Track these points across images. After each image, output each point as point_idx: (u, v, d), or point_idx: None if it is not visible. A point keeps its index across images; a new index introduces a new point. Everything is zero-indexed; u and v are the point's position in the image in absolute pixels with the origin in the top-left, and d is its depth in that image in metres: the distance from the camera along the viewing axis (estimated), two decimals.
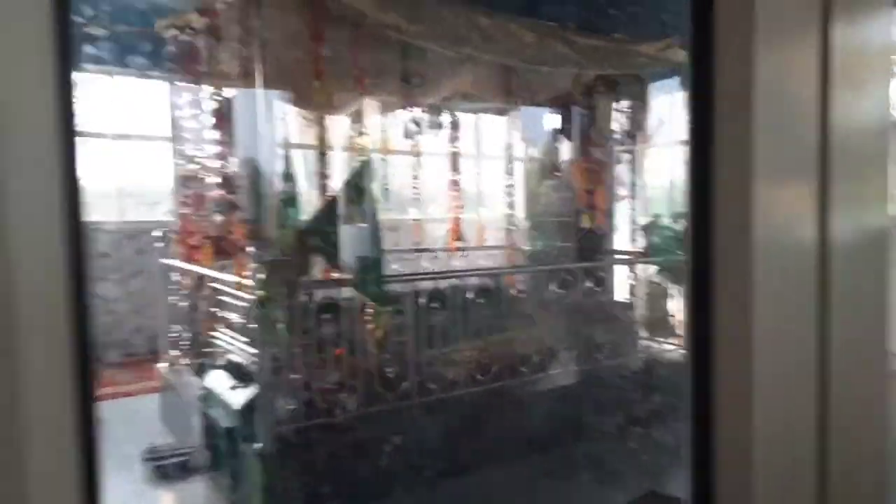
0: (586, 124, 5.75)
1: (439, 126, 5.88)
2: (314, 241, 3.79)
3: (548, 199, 6.28)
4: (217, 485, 3.89)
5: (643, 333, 5.31)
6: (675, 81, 5.39)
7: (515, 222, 6.65)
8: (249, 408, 3.55)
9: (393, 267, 5.85)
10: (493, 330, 4.33)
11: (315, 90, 3.91)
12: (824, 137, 0.81)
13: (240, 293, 3.98)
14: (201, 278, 4.55)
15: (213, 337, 4.40)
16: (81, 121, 0.63)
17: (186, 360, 4.68)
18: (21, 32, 0.58)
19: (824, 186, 0.82)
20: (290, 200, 3.59)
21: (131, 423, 4.68)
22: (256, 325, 3.53)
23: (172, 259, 4.92)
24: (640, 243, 5.58)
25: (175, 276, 4.84)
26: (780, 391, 0.82)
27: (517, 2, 4.63)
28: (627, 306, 5.23)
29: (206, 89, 4.45)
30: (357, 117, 5.49)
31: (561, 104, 5.95)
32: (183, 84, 4.75)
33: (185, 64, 4.65)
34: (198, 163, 4.65)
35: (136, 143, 7.22)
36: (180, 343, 4.79)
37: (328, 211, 3.96)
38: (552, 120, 6.14)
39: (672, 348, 5.31)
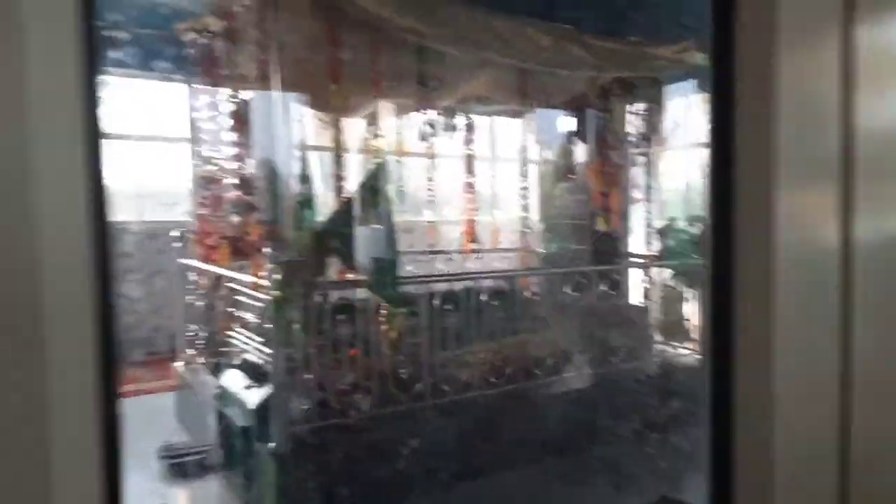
0: (601, 127, 5.73)
1: (454, 128, 5.88)
2: (330, 242, 3.81)
3: (562, 201, 6.26)
4: (231, 483, 3.92)
5: (658, 337, 5.26)
6: (690, 84, 5.35)
7: (530, 225, 6.63)
8: (264, 407, 3.57)
9: (407, 268, 5.86)
10: (506, 332, 4.32)
11: (332, 93, 3.93)
12: (847, 140, 0.80)
13: (256, 293, 4.01)
14: (218, 278, 4.58)
15: (230, 336, 4.43)
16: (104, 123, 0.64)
17: (203, 359, 4.71)
18: (48, 38, 0.59)
19: (847, 190, 0.81)
20: (307, 202, 3.62)
21: (147, 420, 4.72)
22: (272, 326, 3.55)
23: (190, 259, 4.97)
24: (655, 246, 5.54)
25: (192, 276, 4.88)
26: (802, 398, 0.80)
27: (534, 5, 4.62)
28: (642, 310, 5.19)
29: (224, 92, 4.49)
30: (373, 119, 5.52)
31: (576, 107, 5.92)
32: (201, 86, 4.79)
33: (204, 67, 4.69)
34: (216, 164, 4.69)
35: (155, 144, 7.30)
36: (197, 342, 4.83)
37: (344, 213, 3.99)
38: (567, 122, 6.12)
39: (687, 352, 5.27)
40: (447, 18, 4.14)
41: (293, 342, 3.54)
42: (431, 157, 5.23)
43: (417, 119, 4.89)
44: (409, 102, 4.84)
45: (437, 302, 4.02)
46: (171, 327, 5.56)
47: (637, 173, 5.91)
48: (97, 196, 0.62)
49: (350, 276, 4.37)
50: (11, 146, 0.57)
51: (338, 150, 4.24)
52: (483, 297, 4.22)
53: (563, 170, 6.13)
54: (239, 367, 4.13)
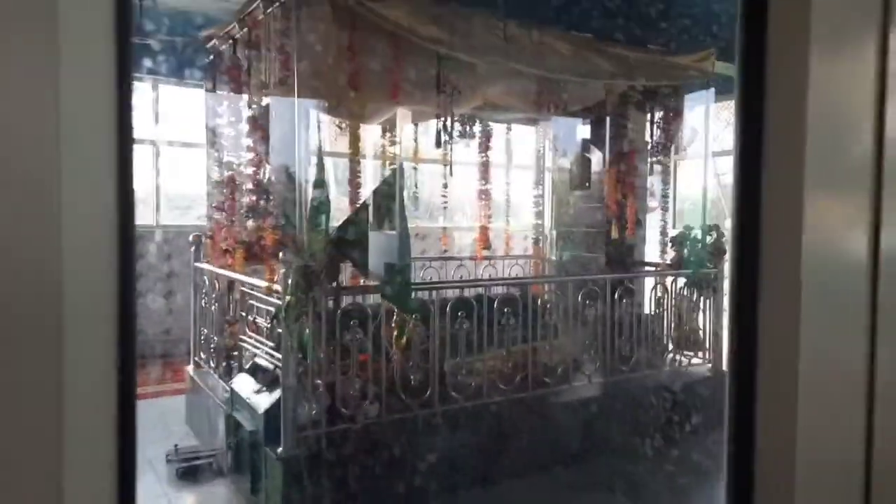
0: (618, 135, 5.70)
1: (471, 135, 5.89)
2: (344, 247, 3.81)
3: (577, 209, 6.24)
4: (239, 488, 3.92)
5: (670, 347, 5.22)
6: (710, 93, 5.31)
7: (543, 232, 6.62)
8: (274, 412, 3.58)
9: (420, 274, 5.87)
10: (517, 340, 4.30)
11: (351, 100, 3.94)
12: (879, 149, 0.78)
13: (269, 298, 4.02)
14: (231, 282, 4.61)
15: (241, 340, 4.45)
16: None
17: (213, 363, 4.73)
18: (83, 42, 0.60)
19: (878, 200, 0.79)
20: (322, 207, 3.62)
21: (157, 423, 4.75)
22: (283, 330, 3.56)
23: (204, 263, 5.00)
24: (670, 255, 5.50)
25: (206, 280, 4.91)
26: (826, 410, 0.79)
27: (553, 13, 4.61)
28: (655, 319, 5.15)
29: (243, 97, 4.53)
30: (390, 126, 5.54)
31: (593, 115, 5.91)
32: (220, 92, 4.83)
33: (223, 73, 4.74)
34: (232, 169, 4.73)
35: (171, 148, 7.37)
36: (208, 346, 4.85)
37: (358, 218, 3.99)
38: (583, 130, 6.10)
39: (699, 362, 5.22)
40: (467, 27, 4.15)
41: (304, 347, 3.55)
42: (447, 163, 5.22)
43: (434, 126, 4.89)
44: (427, 109, 4.85)
45: (448, 308, 4.00)
46: (183, 330, 5.60)
47: (653, 181, 5.87)
48: (125, 201, 0.63)
49: (363, 281, 4.38)
50: (45, 150, 0.58)
51: (354, 156, 4.25)
52: (494, 304, 4.20)
53: (579, 177, 6.11)
54: (249, 371, 4.15)
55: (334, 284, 3.80)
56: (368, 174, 5.48)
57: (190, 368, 5.08)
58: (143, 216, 7.05)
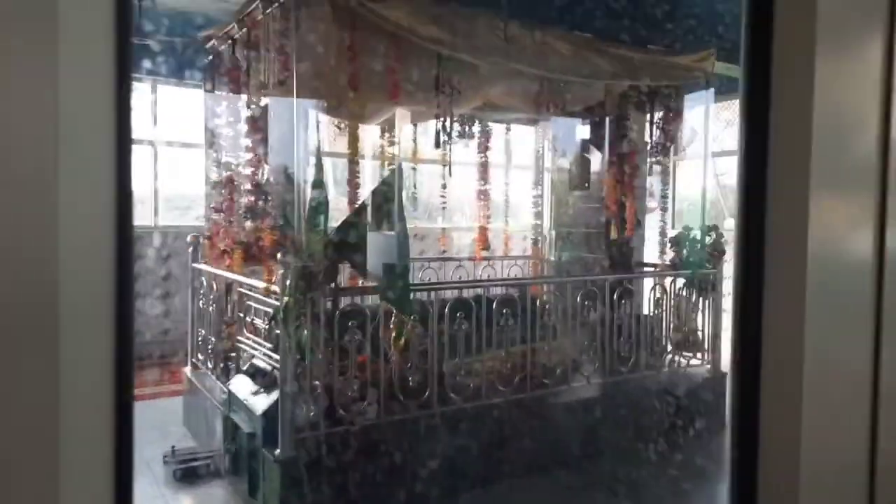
0: (618, 135, 5.70)
1: (470, 136, 5.88)
2: (342, 248, 3.80)
3: (576, 209, 6.24)
4: (236, 490, 3.91)
5: (669, 347, 5.22)
6: (710, 93, 5.31)
7: (542, 232, 6.61)
8: (271, 413, 3.57)
9: (418, 275, 5.86)
10: (516, 341, 4.29)
11: (349, 100, 3.93)
12: (885, 150, 0.78)
13: (266, 299, 4.01)
14: (229, 283, 4.59)
15: (239, 342, 4.44)
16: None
17: (211, 364, 4.72)
18: (83, 43, 0.60)
19: (883, 201, 0.79)
20: (320, 208, 3.61)
21: (154, 425, 4.74)
22: (281, 332, 3.55)
23: (202, 263, 4.98)
24: (669, 256, 5.50)
25: (204, 281, 4.90)
26: (830, 410, 0.78)
27: (554, 14, 4.61)
28: (654, 319, 5.14)
29: (242, 98, 4.52)
30: (389, 126, 5.53)
31: (593, 115, 5.90)
32: (219, 92, 4.82)
33: (222, 73, 4.73)
34: (231, 169, 4.71)
35: (171, 149, 7.36)
36: (206, 347, 4.84)
37: (357, 219, 3.98)
38: (583, 130, 6.10)
39: (698, 363, 5.22)
40: (467, 27, 4.14)
41: (302, 348, 3.54)
42: (446, 164, 5.22)
43: (433, 126, 4.89)
44: (426, 110, 4.84)
45: (446, 309, 3.99)
46: (181, 331, 5.58)
47: (652, 182, 5.87)
48: (123, 201, 0.63)
49: (361, 282, 4.37)
50: (43, 150, 0.58)
51: (353, 157, 4.24)
52: (493, 305, 4.19)
53: (578, 178, 6.11)
54: (247, 372, 4.14)
55: (333, 285, 3.79)
56: (367, 174, 5.47)
57: (187, 370, 5.07)
58: (142, 216, 7.03)
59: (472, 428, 3.97)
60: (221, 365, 4.57)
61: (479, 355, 4.12)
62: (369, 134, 5.68)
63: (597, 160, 5.99)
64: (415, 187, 5.92)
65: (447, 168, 5.30)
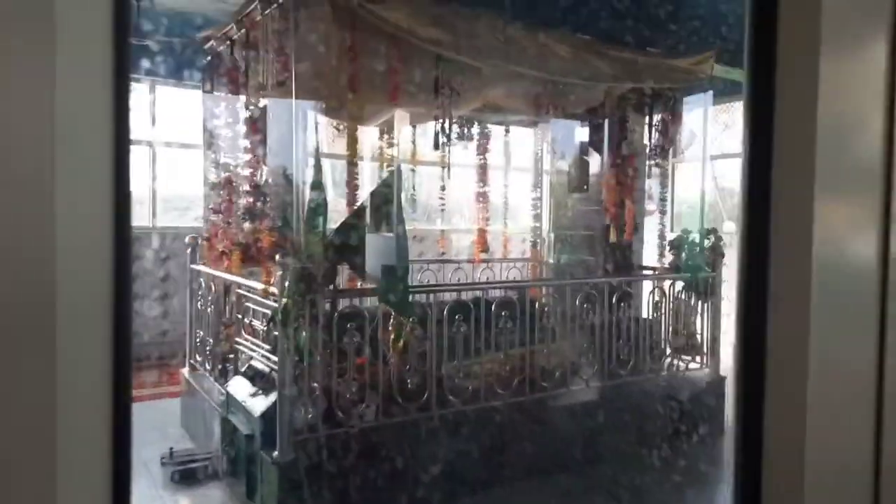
0: (617, 137, 5.70)
1: (469, 137, 5.88)
2: (341, 250, 3.79)
3: (575, 212, 6.23)
4: (234, 492, 3.90)
5: (668, 351, 5.21)
6: (708, 96, 5.31)
7: (541, 235, 6.61)
8: (269, 415, 3.56)
9: (417, 277, 5.85)
10: (514, 343, 4.29)
11: (349, 101, 3.93)
12: (889, 152, 0.78)
13: (265, 300, 4.00)
14: (228, 285, 4.58)
15: (237, 343, 4.43)
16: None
17: (209, 366, 4.71)
18: (81, 46, 0.60)
19: (888, 203, 0.79)
20: (319, 209, 3.60)
21: (152, 426, 4.73)
22: (279, 333, 3.54)
23: (200, 265, 4.97)
24: (668, 259, 5.50)
25: (202, 282, 4.89)
26: (835, 413, 0.78)
27: (553, 16, 4.61)
28: (652, 323, 5.14)
29: (241, 99, 4.51)
30: (387, 128, 5.53)
31: (592, 117, 5.91)
32: (218, 93, 4.82)
33: (221, 74, 4.72)
34: (229, 170, 4.71)
35: (169, 149, 7.35)
36: (204, 348, 4.83)
37: (355, 220, 3.98)
38: (582, 132, 6.10)
39: (697, 367, 5.22)
40: (467, 29, 4.14)
41: (300, 350, 3.53)
42: (445, 165, 5.22)
43: (432, 128, 4.89)
44: (425, 111, 4.84)
45: (445, 311, 3.99)
46: (179, 332, 5.57)
47: (651, 185, 5.87)
48: (121, 202, 0.63)
49: (360, 284, 4.36)
50: (40, 150, 0.58)
51: (351, 158, 4.24)
52: (492, 308, 4.19)
53: (577, 180, 6.11)
54: (245, 374, 4.12)
55: (331, 287, 3.78)
56: (366, 176, 5.47)
57: (185, 371, 5.06)
58: (140, 217, 7.02)
59: (471, 431, 3.96)
60: (219, 366, 4.56)
61: (478, 358, 4.11)
62: (368, 135, 5.68)
63: (596, 163, 6.00)
64: (414, 189, 5.92)
65: (446, 170, 5.29)
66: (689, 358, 5.21)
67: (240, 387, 4.01)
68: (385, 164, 5.50)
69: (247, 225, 4.43)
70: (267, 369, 3.91)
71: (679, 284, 5.26)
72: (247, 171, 4.45)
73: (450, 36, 4.02)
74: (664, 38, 4.98)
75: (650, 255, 5.87)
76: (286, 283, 3.50)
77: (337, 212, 4.63)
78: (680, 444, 4.49)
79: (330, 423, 3.58)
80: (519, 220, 7.58)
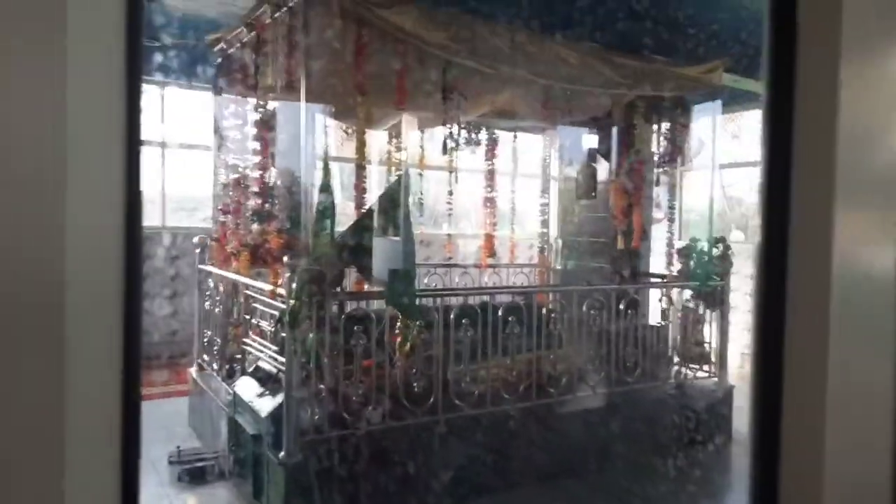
0: (625, 145, 5.70)
1: (477, 143, 5.89)
2: (348, 252, 3.81)
3: (582, 218, 6.23)
4: (241, 491, 3.90)
5: (675, 359, 5.19)
6: (717, 105, 5.30)
7: (548, 241, 6.61)
8: (276, 416, 3.56)
9: (424, 281, 5.86)
10: (521, 348, 4.28)
11: (357, 105, 3.95)
12: None
13: (273, 301, 4.02)
14: (236, 285, 4.61)
15: (245, 344, 4.44)
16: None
17: (217, 366, 4.72)
18: (94, 47, 0.60)
19: None
20: (327, 212, 3.62)
21: (160, 425, 4.75)
22: (287, 334, 3.55)
23: (209, 265, 5.00)
24: (676, 267, 5.48)
25: (211, 282, 4.91)
26: (854, 430, 0.77)
27: (561, 22, 4.62)
28: (660, 330, 5.12)
29: (250, 101, 4.54)
30: (396, 132, 5.54)
31: (600, 124, 5.91)
32: (227, 95, 4.85)
33: (230, 76, 4.75)
34: (238, 172, 4.73)
35: (179, 151, 7.40)
36: (212, 348, 4.85)
37: (363, 223, 3.99)
38: (590, 139, 6.10)
39: (705, 375, 5.19)
40: (474, 34, 4.15)
41: (307, 351, 3.54)
42: (452, 170, 5.23)
43: (440, 132, 4.91)
44: (433, 116, 4.85)
45: (452, 315, 3.99)
46: (187, 332, 5.59)
47: (659, 192, 5.86)
48: (133, 202, 0.63)
49: (367, 287, 4.37)
50: (51, 151, 0.58)
51: (360, 161, 4.26)
52: (499, 312, 4.19)
53: (585, 187, 6.11)
54: (252, 374, 4.14)
55: (339, 289, 3.79)
56: (374, 180, 5.48)
57: (193, 370, 5.08)
58: (150, 217, 7.06)
59: (477, 435, 3.96)
60: (227, 366, 4.58)
61: (485, 362, 4.11)
62: (376, 139, 5.70)
63: (603, 170, 5.99)
64: (421, 193, 5.93)
65: (454, 175, 5.31)
66: (696, 366, 5.19)
67: (247, 387, 4.02)
68: (393, 168, 5.51)
69: (255, 226, 4.45)
70: (274, 370, 3.92)
71: (687, 293, 5.24)
72: (256, 173, 4.47)
73: (457, 41, 4.03)
74: (673, 46, 4.98)
75: (658, 262, 5.86)
76: (294, 285, 3.52)
77: (345, 215, 4.65)
78: (687, 453, 4.46)
79: (336, 424, 3.58)
80: (526, 225, 7.58)
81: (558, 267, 6.54)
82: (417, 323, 3.85)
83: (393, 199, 4.06)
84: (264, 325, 4.21)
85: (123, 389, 0.62)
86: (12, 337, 0.57)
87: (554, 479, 4.14)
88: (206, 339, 4.97)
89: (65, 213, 0.58)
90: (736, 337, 5.50)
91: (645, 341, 4.88)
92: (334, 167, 4.95)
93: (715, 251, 5.19)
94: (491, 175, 6.20)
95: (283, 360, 3.65)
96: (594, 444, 4.35)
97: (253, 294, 4.38)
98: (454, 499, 3.79)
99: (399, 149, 5.54)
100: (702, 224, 6.04)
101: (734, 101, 6.06)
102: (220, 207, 4.96)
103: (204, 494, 3.91)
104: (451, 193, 5.59)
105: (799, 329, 0.77)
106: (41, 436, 0.59)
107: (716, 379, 5.20)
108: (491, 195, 6.21)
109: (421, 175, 5.83)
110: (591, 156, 6.07)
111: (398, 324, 3.86)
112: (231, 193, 4.80)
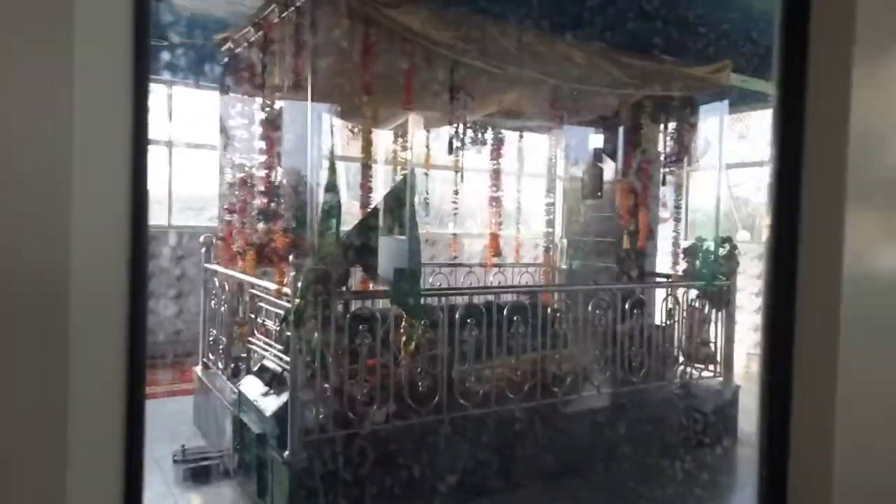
0: (631, 144, 5.68)
1: (483, 142, 5.88)
2: (354, 251, 3.81)
3: (588, 218, 6.21)
4: (245, 490, 3.91)
5: (681, 359, 5.17)
6: (724, 105, 5.28)
7: (554, 240, 6.59)
8: (281, 415, 3.57)
9: (429, 280, 5.86)
10: (526, 348, 4.27)
11: (363, 104, 3.95)
12: None
13: (278, 300, 4.02)
14: (241, 284, 4.61)
15: (250, 343, 4.45)
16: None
17: (222, 365, 4.73)
18: (101, 47, 0.60)
19: None
20: (333, 211, 3.62)
21: (165, 423, 4.76)
22: (292, 333, 3.56)
23: (214, 264, 5.01)
24: (682, 266, 5.46)
25: (216, 281, 4.92)
26: (864, 431, 0.76)
27: (568, 22, 4.61)
28: (666, 330, 5.10)
29: (257, 100, 4.55)
30: (401, 131, 5.54)
31: (607, 123, 5.89)
32: (234, 94, 4.86)
33: (237, 75, 4.76)
34: (244, 171, 4.74)
35: (187, 150, 7.43)
36: (217, 347, 4.86)
37: (369, 223, 3.99)
38: (596, 139, 6.08)
39: (710, 375, 5.18)
40: (481, 33, 4.15)
41: (312, 350, 3.54)
42: (458, 170, 5.22)
43: (446, 132, 4.90)
44: (440, 115, 4.85)
45: (457, 315, 3.99)
46: (192, 332, 5.60)
47: (666, 192, 5.84)
48: (139, 201, 0.63)
49: (372, 286, 4.37)
50: (57, 150, 0.58)
51: (365, 161, 4.26)
52: (504, 312, 4.18)
53: (591, 186, 6.09)
54: (257, 373, 4.15)
55: (344, 288, 3.80)
56: (380, 179, 5.47)
57: (198, 369, 5.09)
58: (156, 216, 7.09)
59: (482, 435, 3.96)
60: (232, 365, 4.59)
61: (490, 362, 4.11)
62: (382, 138, 5.70)
63: (609, 169, 5.98)
64: (427, 192, 5.92)
65: (459, 174, 5.30)
66: (702, 366, 5.17)
67: (252, 386, 4.03)
68: (399, 168, 5.51)
69: (261, 225, 4.46)
70: (279, 369, 3.92)
71: (693, 292, 5.22)
72: (262, 172, 4.48)
73: (466, 40, 4.03)
74: (681, 46, 4.96)
75: (664, 262, 5.84)
76: (299, 284, 3.52)
77: (350, 214, 4.66)
78: (693, 452, 4.45)
79: (341, 424, 3.59)
80: (532, 225, 7.56)
81: (564, 266, 6.53)
82: (422, 322, 3.85)
83: (398, 199, 4.06)
84: (269, 324, 4.22)
85: (127, 389, 0.62)
86: (17, 336, 0.57)
87: (559, 480, 4.13)
88: (211, 338, 4.98)
89: (70, 213, 0.58)
90: (742, 337, 5.48)
91: (650, 341, 4.87)
92: (340, 166, 4.95)
93: (721, 251, 5.17)
94: (497, 174, 6.19)
95: (288, 359, 3.66)
96: (599, 445, 4.34)
97: (258, 293, 4.39)
98: (459, 499, 3.79)
99: (405, 148, 5.54)
100: (708, 224, 6.02)
101: (742, 101, 6.03)
102: (226, 207, 4.97)
103: (208, 493, 3.92)
104: (456, 193, 5.59)
105: (809, 329, 0.76)
106: (44, 435, 0.59)
107: (721, 379, 5.18)
108: (496, 195, 6.20)
109: (427, 174, 5.83)
110: (597, 155, 6.05)
111: (403, 323, 3.86)
112: (237, 193, 4.81)
